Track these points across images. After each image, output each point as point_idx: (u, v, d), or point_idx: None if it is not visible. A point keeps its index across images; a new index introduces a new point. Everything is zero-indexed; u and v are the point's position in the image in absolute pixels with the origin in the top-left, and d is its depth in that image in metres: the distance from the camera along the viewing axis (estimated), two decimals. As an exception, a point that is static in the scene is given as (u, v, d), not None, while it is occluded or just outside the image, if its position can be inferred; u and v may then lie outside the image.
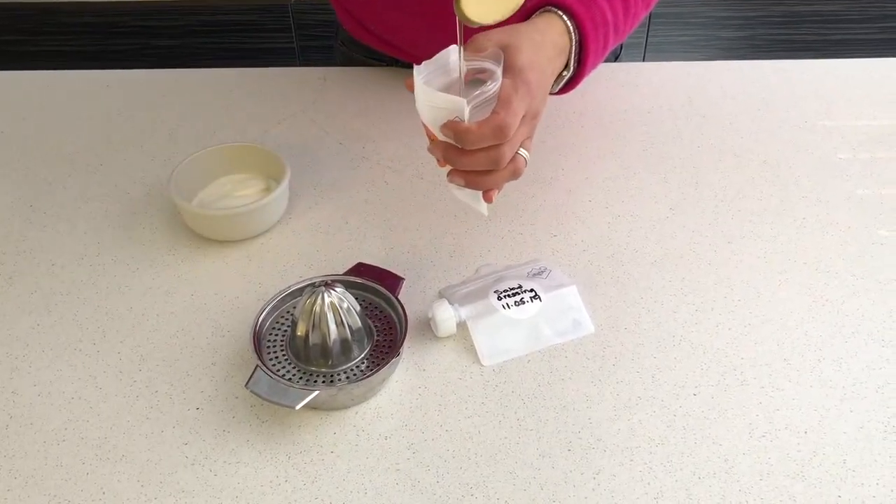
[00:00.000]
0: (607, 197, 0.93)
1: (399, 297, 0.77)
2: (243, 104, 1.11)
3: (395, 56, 1.14)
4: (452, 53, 0.67)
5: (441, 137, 0.68)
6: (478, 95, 0.66)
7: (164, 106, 1.11)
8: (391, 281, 0.79)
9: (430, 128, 0.69)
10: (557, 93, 0.79)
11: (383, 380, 0.71)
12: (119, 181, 0.97)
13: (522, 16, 0.75)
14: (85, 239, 0.90)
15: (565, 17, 0.73)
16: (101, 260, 0.87)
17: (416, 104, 0.68)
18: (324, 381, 0.70)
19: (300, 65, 2.25)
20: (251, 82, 1.15)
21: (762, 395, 0.72)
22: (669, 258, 0.85)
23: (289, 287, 0.77)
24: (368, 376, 0.69)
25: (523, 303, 0.78)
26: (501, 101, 0.66)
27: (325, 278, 0.75)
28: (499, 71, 0.67)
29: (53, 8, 2.11)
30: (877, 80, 1.13)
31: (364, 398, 0.71)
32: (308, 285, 0.75)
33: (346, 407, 0.71)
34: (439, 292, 0.81)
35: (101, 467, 0.67)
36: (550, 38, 0.71)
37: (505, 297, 0.78)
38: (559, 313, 0.78)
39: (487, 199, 0.73)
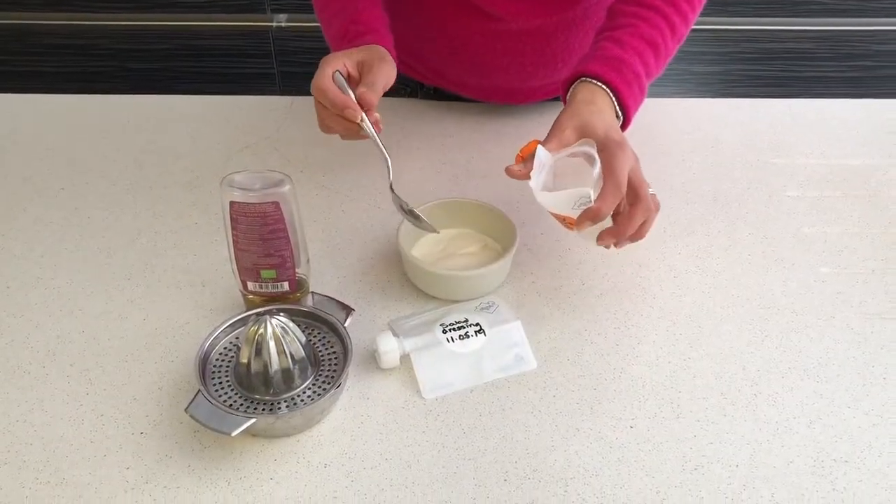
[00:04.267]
0: (557, 230, 0.94)
1: (347, 326, 0.78)
2: (208, 131, 1.12)
3: (420, 80, 1.17)
4: (540, 154, 0.79)
5: (574, 217, 0.79)
6: (592, 179, 0.79)
7: (130, 131, 1.12)
8: (341, 311, 0.80)
9: (559, 212, 0.81)
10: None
11: (322, 410, 0.72)
12: (79, 205, 0.99)
13: (564, 85, 0.88)
14: (41, 262, 0.91)
15: (601, 84, 0.85)
16: (56, 283, 0.88)
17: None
18: (264, 409, 0.71)
19: (280, 91, 2.27)
20: (219, 110, 1.17)
21: (697, 428, 0.73)
22: (615, 291, 0.87)
23: (237, 314, 0.78)
24: (307, 406, 0.70)
25: (468, 337, 0.79)
26: (606, 169, 0.78)
27: (271, 307, 0.76)
28: (594, 151, 0.79)
29: (32, 29, 2.13)
30: (830, 119, 1.16)
31: (305, 427, 0.72)
32: (254, 313, 0.76)
33: (287, 435, 0.72)
34: (388, 324, 0.83)
35: (40, 490, 0.68)
36: (599, 101, 0.84)
37: (450, 330, 0.79)
38: (503, 348, 0.79)
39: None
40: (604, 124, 0.80)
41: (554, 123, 0.82)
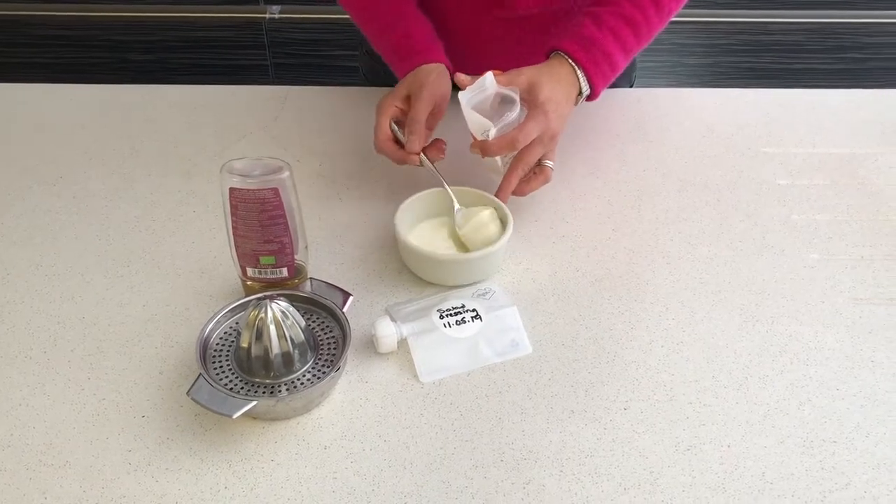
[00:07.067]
0: (552, 217, 0.96)
1: (346, 311, 0.79)
2: (206, 121, 1.13)
3: None
4: (488, 78, 0.88)
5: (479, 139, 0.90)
6: (502, 121, 0.88)
7: (128, 121, 1.13)
8: (339, 296, 0.81)
9: (473, 133, 0.90)
10: (587, 100, 0.97)
11: (322, 393, 0.73)
12: (78, 193, 0.99)
13: (544, 53, 0.96)
14: (41, 249, 0.91)
15: (570, 60, 0.93)
16: (56, 270, 0.89)
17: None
18: (265, 392, 0.72)
19: (273, 82, 2.28)
20: (215, 99, 1.18)
21: (689, 410, 0.75)
22: (609, 277, 0.89)
23: (237, 300, 0.79)
24: (307, 389, 0.71)
25: (464, 322, 0.80)
26: (520, 125, 0.88)
27: (270, 292, 0.77)
28: (518, 100, 0.88)
29: (29, 20, 2.13)
30: (820, 110, 1.18)
31: (305, 409, 0.73)
32: (255, 298, 0.77)
33: (287, 417, 0.73)
34: (385, 309, 0.84)
35: (43, 472, 0.69)
36: (563, 75, 0.92)
37: (447, 315, 0.81)
38: (498, 333, 0.81)
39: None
40: (549, 92, 0.89)
41: (519, 68, 0.91)
